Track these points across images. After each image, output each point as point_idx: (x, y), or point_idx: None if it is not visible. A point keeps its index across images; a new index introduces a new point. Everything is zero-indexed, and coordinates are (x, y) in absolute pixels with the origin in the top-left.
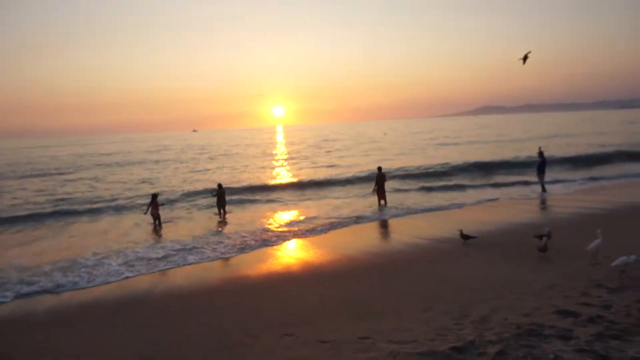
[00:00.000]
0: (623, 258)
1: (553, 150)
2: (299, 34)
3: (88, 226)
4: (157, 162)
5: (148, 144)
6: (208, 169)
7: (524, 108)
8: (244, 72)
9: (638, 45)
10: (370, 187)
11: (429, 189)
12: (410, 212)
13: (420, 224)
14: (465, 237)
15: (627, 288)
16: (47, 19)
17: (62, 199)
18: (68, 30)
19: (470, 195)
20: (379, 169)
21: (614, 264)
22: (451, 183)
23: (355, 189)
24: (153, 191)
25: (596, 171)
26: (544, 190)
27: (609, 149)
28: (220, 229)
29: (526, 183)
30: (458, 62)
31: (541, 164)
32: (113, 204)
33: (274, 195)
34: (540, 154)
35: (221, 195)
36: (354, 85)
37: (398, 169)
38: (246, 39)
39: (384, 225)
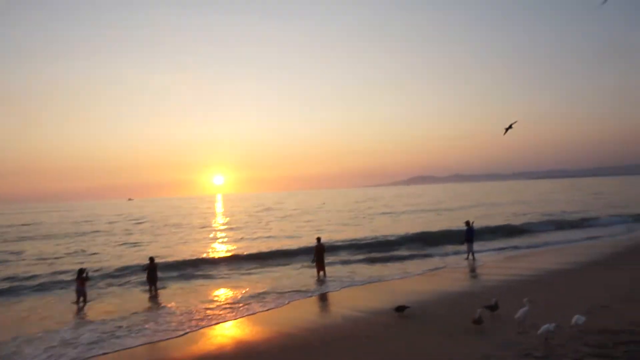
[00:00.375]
0: (545, 326)
1: (481, 220)
2: (235, 103)
3: (4, 308)
4: (85, 233)
5: (77, 214)
6: (141, 242)
7: (453, 178)
8: (183, 140)
9: (552, 123)
10: (310, 258)
11: (372, 260)
12: (351, 283)
13: (360, 296)
14: (399, 309)
15: (552, 356)
16: None
17: None
18: None
19: (410, 266)
20: (318, 239)
21: (538, 332)
22: (392, 254)
23: (295, 262)
24: (80, 267)
25: (520, 240)
26: (473, 258)
27: (530, 218)
28: (150, 307)
29: (460, 252)
30: (391, 133)
31: (469, 234)
32: (34, 282)
33: (211, 270)
34: (467, 223)
35: (152, 270)
36: (292, 155)
37: (339, 241)
38: (186, 106)
39: (323, 298)
